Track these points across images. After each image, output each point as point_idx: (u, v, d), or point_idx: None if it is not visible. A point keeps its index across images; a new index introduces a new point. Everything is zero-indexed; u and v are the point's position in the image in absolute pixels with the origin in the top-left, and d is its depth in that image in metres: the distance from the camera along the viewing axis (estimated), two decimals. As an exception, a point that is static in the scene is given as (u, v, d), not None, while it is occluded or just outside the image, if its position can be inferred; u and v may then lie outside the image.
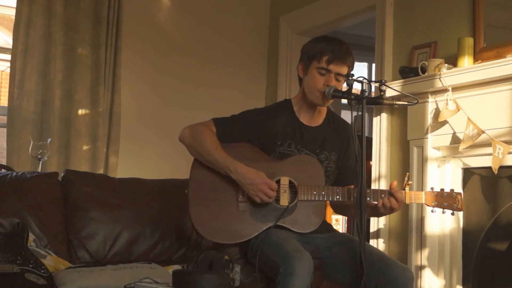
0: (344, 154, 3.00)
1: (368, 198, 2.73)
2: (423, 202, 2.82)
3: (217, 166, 2.80)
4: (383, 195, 2.76)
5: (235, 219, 2.79)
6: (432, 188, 2.87)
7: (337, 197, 2.79)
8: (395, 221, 4.03)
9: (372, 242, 4.15)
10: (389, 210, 2.78)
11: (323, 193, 2.79)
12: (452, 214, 2.83)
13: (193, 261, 2.49)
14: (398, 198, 2.75)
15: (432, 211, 2.86)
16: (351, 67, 2.88)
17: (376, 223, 4.13)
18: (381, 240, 4.09)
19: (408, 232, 3.78)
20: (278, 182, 2.79)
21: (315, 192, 2.79)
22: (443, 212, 2.83)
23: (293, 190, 2.80)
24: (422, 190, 2.84)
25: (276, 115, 2.93)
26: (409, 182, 2.82)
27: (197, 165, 2.87)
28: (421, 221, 3.69)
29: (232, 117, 2.95)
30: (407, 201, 2.79)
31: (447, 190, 2.84)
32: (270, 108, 3.02)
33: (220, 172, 2.80)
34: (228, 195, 2.81)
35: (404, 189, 2.79)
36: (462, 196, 2.83)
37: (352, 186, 2.91)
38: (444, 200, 2.80)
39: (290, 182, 2.80)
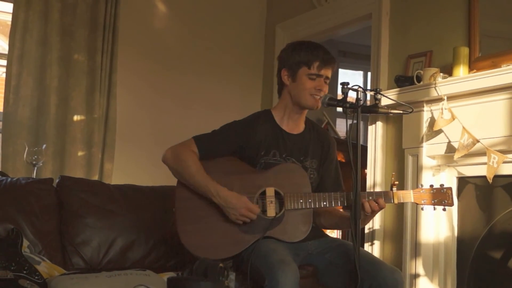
0: (324, 162, 3.02)
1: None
2: (412, 201, 2.78)
3: (199, 189, 2.81)
4: (370, 197, 2.75)
5: (224, 234, 2.80)
6: (421, 185, 2.85)
7: (324, 203, 2.79)
8: (389, 223, 4.05)
9: (366, 246, 4.16)
10: (369, 216, 2.78)
11: (309, 200, 2.79)
12: (444, 210, 2.78)
13: (188, 268, 2.48)
14: (380, 203, 2.73)
15: (422, 209, 2.82)
16: (334, 70, 2.96)
17: (371, 223, 4.15)
18: (375, 246, 4.10)
19: (403, 238, 3.79)
20: (263, 193, 2.81)
21: (301, 200, 2.79)
22: (434, 209, 2.80)
23: (280, 200, 2.81)
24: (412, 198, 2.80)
25: (257, 126, 2.94)
26: (396, 182, 2.81)
27: (182, 183, 2.88)
28: (416, 226, 3.69)
29: (212, 133, 2.95)
30: (396, 201, 2.77)
31: (436, 186, 2.80)
32: (249, 119, 3.00)
33: (202, 195, 2.82)
34: (215, 211, 2.81)
35: (392, 190, 2.78)
36: (452, 191, 2.79)
37: None
38: (434, 196, 2.76)
39: (276, 192, 2.81)
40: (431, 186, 2.80)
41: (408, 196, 2.79)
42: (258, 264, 2.63)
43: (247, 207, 2.73)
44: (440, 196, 2.77)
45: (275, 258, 2.58)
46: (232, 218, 2.75)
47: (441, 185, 2.81)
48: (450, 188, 2.79)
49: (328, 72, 2.89)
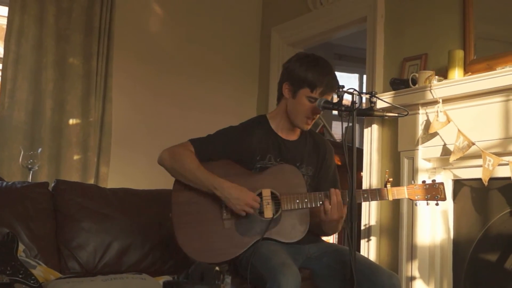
0: (320, 169, 3.03)
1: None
2: (406, 196, 2.82)
3: (200, 185, 2.82)
4: (365, 195, 2.79)
5: (222, 237, 2.80)
6: (413, 181, 2.88)
7: (320, 202, 2.80)
8: (385, 220, 4.06)
9: (363, 245, 4.17)
10: (329, 217, 2.76)
11: (305, 200, 2.81)
12: (437, 204, 2.84)
13: (184, 272, 2.48)
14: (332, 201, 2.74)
15: (415, 204, 2.87)
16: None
17: (367, 219, 4.16)
18: (371, 243, 4.10)
19: (399, 239, 3.79)
20: (260, 195, 2.81)
21: (297, 201, 2.81)
22: (427, 204, 2.84)
23: (276, 201, 2.82)
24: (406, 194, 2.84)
25: (252, 131, 2.95)
26: (390, 179, 2.83)
27: (178, 188, 2.89)
28: (412, 228, 3.69)
29: (208, 137, 2.98)
30: (390, 198, 2.80)
31: (429, 181, 2.85)
32: (245, 125, 3.03)
33: (203, 190, 2.82)
34: (212, 214, 2.82)
35: (386, 187, 2.81)
36: (444, 186, 2.84)
37: None
38: (427, 192, 2.81)
39: (272, 193, 2.82)
40: (424, 182, 2.85)
41: (402, 192, 2.82)
42: (259, 266, 2.64)
43: (250, 197, 2.75)
44: (433, 191, 2.82)
45: (276, 261, 2.58)
46: (237, 209, 2.76)
47: (433, 181, 2.86)
48: (442, 183, 2.84)
49: (329, 97, 2.89)
